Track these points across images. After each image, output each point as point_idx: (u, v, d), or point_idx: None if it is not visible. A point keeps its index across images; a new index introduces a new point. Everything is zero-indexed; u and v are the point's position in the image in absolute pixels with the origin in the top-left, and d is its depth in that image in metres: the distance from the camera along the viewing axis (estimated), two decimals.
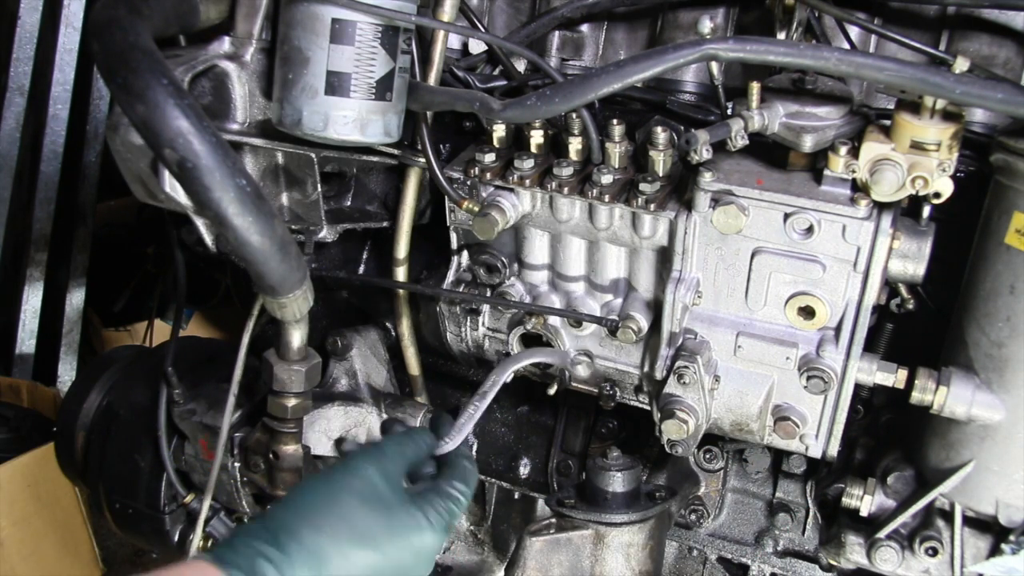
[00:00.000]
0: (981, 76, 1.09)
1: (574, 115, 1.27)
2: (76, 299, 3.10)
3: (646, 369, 1.39)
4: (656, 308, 1.33)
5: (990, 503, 1.26)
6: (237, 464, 1.53)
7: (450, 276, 1.48)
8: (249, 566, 0.90)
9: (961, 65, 1.06)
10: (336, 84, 1.17)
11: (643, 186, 1.23)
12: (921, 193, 1.10)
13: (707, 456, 1.67)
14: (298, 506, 0.98)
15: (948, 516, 1.37)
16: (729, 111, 1.23)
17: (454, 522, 1.07)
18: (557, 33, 1.53)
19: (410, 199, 1.46)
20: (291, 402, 1.34)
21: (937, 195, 1.10)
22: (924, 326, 1.39)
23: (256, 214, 1.00)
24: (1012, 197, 1.11)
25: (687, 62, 1.05)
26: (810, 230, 1.19)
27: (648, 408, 1.41)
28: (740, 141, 1.14)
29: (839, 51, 1.02)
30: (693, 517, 1.67)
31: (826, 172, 1.16)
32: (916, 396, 1.21)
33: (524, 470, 1.82)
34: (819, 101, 1.17)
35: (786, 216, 1.19)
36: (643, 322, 1.33)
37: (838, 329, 1.25)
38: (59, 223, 3.04)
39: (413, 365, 1.63)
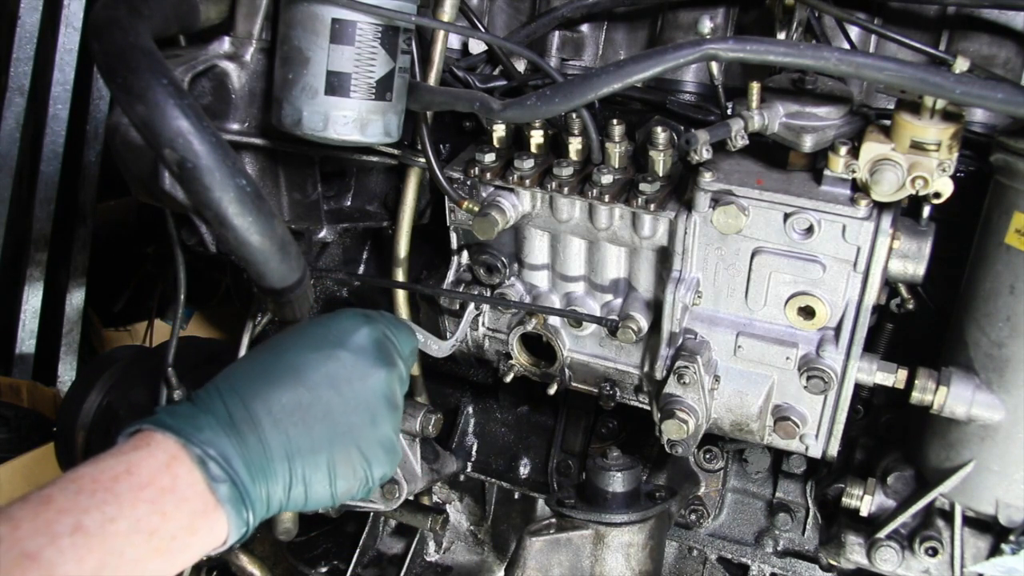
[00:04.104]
0: (981, 76, 1.09)
1: (574, 115, 1.27)
2: (76, 299, 3.10)
3: (646, 369, 1.39)
4: (656, 308, 1.33)
5: (990, 503, 1.26)
6: None
7: (450, 276, 1.48)
8: (208, 436, 0.87)
9: (961, 65, 1.06)
10: (336, 84, 1.17)
11: (643, 186, 1.23)
12: (921, 193, 1.10)
13: (707, 456, 1.67)
14: (247, 371, 0.96)
15: (948, 516, 1.37)
16: (729, 111, 1.23)
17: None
18: (557, 33, 1.53)
19: (410, 199, 1.46)
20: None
21: (937, 195, 1.10)
22: (924, 326, 1.39)
23: (256, 214, 1.00)
24: (1012, 197, 1.11)
25: (687, 62, 1.05)
26: (810, 230, 1.19)
27: (648, 408, 1.41)
28: (740, 141, 1.14)
29: (839, 51, 1.02)
30: (693, 517, 1.67)
31: (826, 172, 1.16)
32: (916, 396, 1.21)
33: (524, 470, 1.82)
34: (819, 101, 1.17)
35: (786, 216, 1.19)
36: (643, 322, 1.33)
37: (838, 329, 1.25)
38: (59, 223, 3.04)
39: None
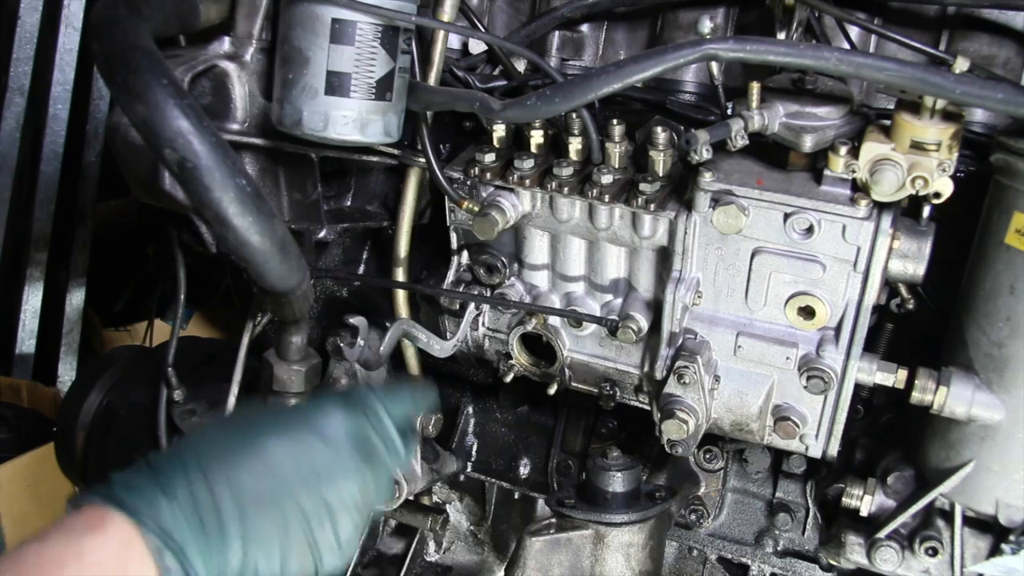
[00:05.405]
0: (981, 76, 1.09)
1: (574, 115, 1.27)
2: (76, 299, 3.10)
3: (646, 369, 1.39)
4: (656, 308, 1.33)
5: (990, 503, 1.26)
6: None
7: (450, 276, 1.48)
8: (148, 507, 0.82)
9: (961, 65, 1.06)
10: (336, 84, 1.17)
11: (643, 186, 1.23)
12: (921, 193, 1.10)
13: (707, 456, 1.67)
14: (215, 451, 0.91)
15: (948, 516, 1.37)
16: (729, 111, 1.23)
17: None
18: (557, 33, 1.53)
19: (410, 199, 1.46)
20: (291, 402, 1.34)
21: (937, 195, 1.10)
22: (924, 326, 1.39)
23: (256, 214, 1.00)
24: (1012, 197, 1.11)
25: (687, 62, 1.05)
26: (810, 230, 1.19)
27: (648, 408, 1.41)
28: (740, 141, 1.14)
29: (839, 51, 1.02)
30: (693, 517, 1.67)
31: (826, 172, 1.16)
32: (916, 396, 1.21)
33: (524, 470, 1.82)
34: (819, 101, 1.17)
35: (786, 216, 1.19)
36: (643, 322, 1.33)
37: (838, 329, 1.25)
38: (59, 223, 3.04)
39: (413, 365, 1.63)
